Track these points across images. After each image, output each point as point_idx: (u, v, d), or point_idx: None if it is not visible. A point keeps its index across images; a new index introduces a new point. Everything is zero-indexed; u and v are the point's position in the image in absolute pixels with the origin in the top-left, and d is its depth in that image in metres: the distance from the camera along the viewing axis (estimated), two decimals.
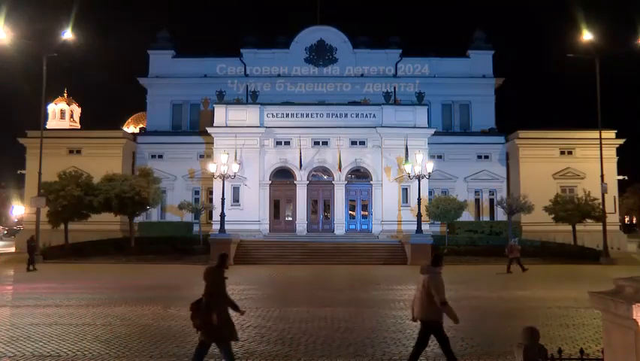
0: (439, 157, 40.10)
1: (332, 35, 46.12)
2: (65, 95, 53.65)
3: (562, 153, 40.21)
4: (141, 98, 47.20)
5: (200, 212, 35.35)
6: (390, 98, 39.69)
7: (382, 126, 37.31)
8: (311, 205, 38.34)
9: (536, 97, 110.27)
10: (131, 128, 53.47)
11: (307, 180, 37.92)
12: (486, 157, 41.71)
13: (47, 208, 31.63)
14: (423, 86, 43.55)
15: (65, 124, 51.35)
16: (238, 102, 39.73)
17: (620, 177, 41.57)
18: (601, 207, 32.01)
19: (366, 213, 38.36)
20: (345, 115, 38.17)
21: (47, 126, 46.78)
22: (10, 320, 12.58)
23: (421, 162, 31.91)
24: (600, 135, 32.03)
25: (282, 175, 38.19)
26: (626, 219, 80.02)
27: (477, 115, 45.31)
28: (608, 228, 32.06)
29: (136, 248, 31.16)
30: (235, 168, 33.92)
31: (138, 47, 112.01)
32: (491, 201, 41.12)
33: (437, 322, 7.81)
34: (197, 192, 41.00)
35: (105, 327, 11.56)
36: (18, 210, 73.40)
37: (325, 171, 38.28)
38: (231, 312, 8.00)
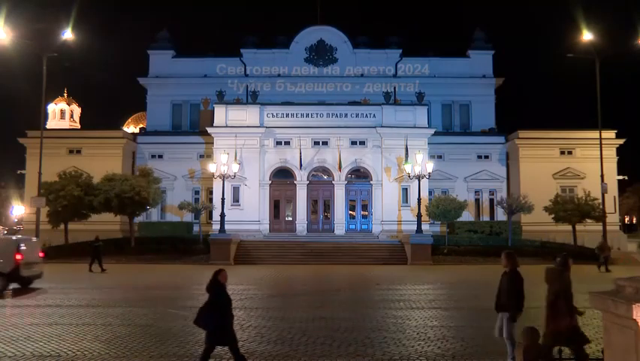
0: (439, 157, 40.12)
1: (332, 35, 46.13)
2: (65, 95, 53.71)
3: (562, 153, 40.21)
4: (141, 98, 47.26)
5: (200, 212, 35.33)
6: (390, 98, 39.69)
7: (382, 126, 37.31)
8: (311, 205, 38.34)
9: (536, 97, 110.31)
10: (131, 128, 53.49)
11: (307, 180, 37.92)
12: (486, 157, 41.71)
13: (47, 208, 31.64)
14: (423, 86, 43.55)
15: (65, 124, 51.39)
16: (238, 102, 39.73)
17: (620, 177, 41.53)
18: (601, 207, 32.02)
19: (366, 213, 38.36)
20: (345, 115, 38.17)
21: (47, 126, 46.80)
22: (10, 320, 12.58)
23: (421, 162, 31.92)
24: (600, 135, 32.03)
25: (282, 175, 38.19)
26: (626, 219, 79.97)
27: (477, 115, 45.32)
28: (608, 228, 32.08)
29: (136, 248, 31.15)
30: (235, 168, 33.93)
31: (138, 47, 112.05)
32: (491, 201, 41.12)
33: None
34: (197, 192, 41.00)
35: (105, 327, 11.56)
36: (18, 210, 73.35)
37: (325, 171, 38.28)
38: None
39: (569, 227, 34.14)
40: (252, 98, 40.23)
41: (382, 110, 37.96)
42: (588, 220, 33.59)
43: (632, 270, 24.82)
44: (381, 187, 37.31)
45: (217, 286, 7.94)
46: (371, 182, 37.85)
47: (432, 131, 38.16)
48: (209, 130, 37.84)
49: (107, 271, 24.70)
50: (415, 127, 37.56)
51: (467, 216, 37.41)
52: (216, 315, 7.70)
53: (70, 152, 39.92)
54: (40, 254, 20.02)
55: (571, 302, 7.42)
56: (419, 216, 30.94)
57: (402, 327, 11.75)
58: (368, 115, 38.16)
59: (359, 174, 38.46)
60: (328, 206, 38.38)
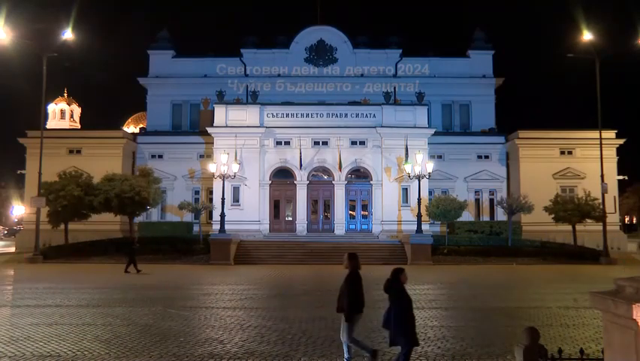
0: (439, 157, 40.14)
1: (332, 35, 46.14)
2: (65, 95, 53.74)
3: (562, 153, 40.22)
4: (141, 98, 47.29)
5: (200, 212, 35.32)
6: (390, 98, 39.69)
7: (382, 126, 37.32)
8: (311, 205, 38.35)
9: (536, 97, 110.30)
10: (131, 128, 53.51)
11: (307, 180, 37.92)
12: (486, 157, 41.72)
13: (47, 208, 31.64)
14: (423, 86, 43.58)
15: (65, 124, 51.42)
16: (238, 102, 39.73)
17: (620, 177, 41.57)
18: (601, 207, 32.01)
19: (366, 213, 38.36)
20: (345, 115, 38.18)
21: (47, 126, 46.83)
22: (10, 320, 12.58)
23: (421, 162, 31.91)
24: (600, 135, 32.02)
25: (282, 175, 38.20)
26: (626, 219, 79.99)
27: (477, 115, 45.34)
28: (608, 228, 32.06)
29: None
30: (235, 168, 33.92)
31: (138, 47, 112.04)
32: (491, 201, 41.13)
33: None
34: (197, 192, 41.01)
35: (105, 327, 11.56)
36: (18, 210, 73.37)
37: (325, 171, 38.28)
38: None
39: (569, 227, 34.14)
40: (252, 98, 40.23)
41: (382, 110, 37.96)
42: (588, 220, 33.59)
43: (632, 270, 24.83)
44: (381, 187, 37.31)
45: (398, 286, 7.71)
46: (371, 182, 37.85)
47: (432, 131, 38.17)
48: (209, 130, 37.84)
49: (142, 271, 24.34)
50: (415, 127, 37.56)
51: (467, 216, 37.43)
52: (403, 316, 7.51)
53: (70, 152, 39.94)
54: None
55: None
56: (419, 216, 30.94)
57: None
58: (368, 115, 38.16)
59: (359, 174, 38.46)
60: (328, 206, 38.39)
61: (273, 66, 45.98)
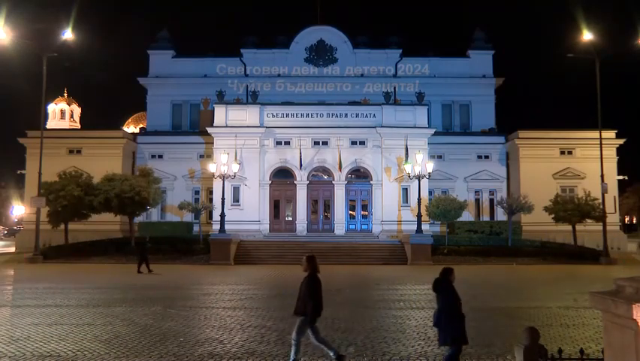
0: (439, 157, 40.14)
1: (332, 35, 46.14)
2: (65, 95, 53.73)
3: (562, 153, 40.22)
4: (141, 98, 47.29)
5: (200, 212, 35.32)
6: (390, 98, 39.68)
7: (382, 126, 37.32)
8: (311, 205, 38.34)
9: (536, 97, 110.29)
10: (131, 128, 53.51)
11: (307, 180, 37.92)
12: (486, 157, 41.72)
13: (47, 208, 31.63)
14: (423, 86, 43.57)
15: (65, 124, 51.41)
16: (238, 102, 39.73)
17: (620, 177, 41.56)
18: (601, 207, 32.00)
19: (366, 213, 38.36)
20: (345, 115, 38.18)
21: (47, 126, 46.82)
22: (10, 320, 12.58)
23: (421, 162, 31.91)
24: (600, 135, 32.01)
25: (282, 175, 38.20)
26: (626, 219, 79.99)
27: (477, 115, 45.34)
28: (608, 228, 32.05)
29: (136, 248, 31.09)
30: (235, 168, 33.92)
31: (138, 47, 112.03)
32: (491, 201, 41.13)
33: None
34: (197, 192, 41.01)
35: (105, 327, 11.56)
36: (18, 210, 73.37)
37: (325, 171, 38.28)
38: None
39: (569, 227, 34.14)
40: (252, 98, 40.22)
41: (382, 110, 37.96)
42: (588, 220, 33.58)
43: (632, 270, 24.83)
44: (381, 187, 37.31)
45: (448, 286, 7.68)
46: (371, 182, 37.85)
47: (432, 131, 38.16)
48: (209, 130, 37.84)
49: (154, 271, 24.24)
50: (415, 127, 37.56)
51: (467, 216, 37.42)
52: (454, 315, 7.46)
53: (70, 152, 39.94)
54: None
55: None
56: (419, 216, 30.94)
57: (402, 327, 11.75)
58: (368, 115, 38.16)
59: (359, 174, 38.46)
60: (328, 206, 38.39)
61: (273, 66, 45.98)
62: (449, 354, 7.56)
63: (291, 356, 8.35)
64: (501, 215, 37.59)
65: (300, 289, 8.35)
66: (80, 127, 51.25)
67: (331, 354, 8.36)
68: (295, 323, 8.46)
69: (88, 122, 56.51)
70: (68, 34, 30.78)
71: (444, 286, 7.67)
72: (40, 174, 30.50)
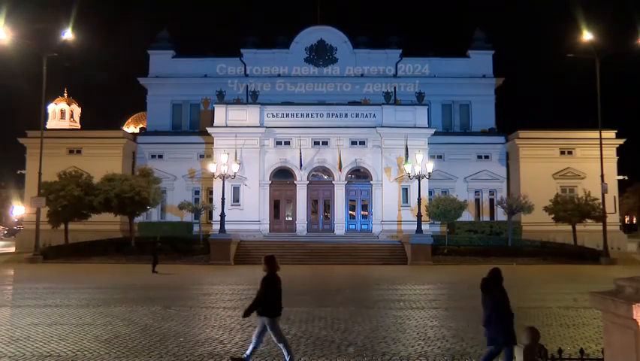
0: (439, 157, 40.14)
1: (332, 35, 46.14)
2: (65, 95, 53.72)
3: (562, 153, 40.22)
4: (141, 98, 47.28)
5: (200, 212, 35.33)
6: (390, 98, 39.68)
7: (382, 126, 37.32)
8: (311, 205, 38.34)
9: (536, 97, 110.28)
10: (131, 128, 53.50)
11: (307, 180, 37.92)
12: (486, 157, 41.72)
13: (47, 208, 31.63)
14: (423, 86, 43.57)
15: (65, 124, 51.40)
16: (238, 102, 39.72)
17: (620, 177, 41.55)
18: (601, 207, 32.00)
19: (366, 213, 38.35)
20: (345, 115, 38.18)
21: (47, 126, 46.82)
22: (10, 320, 12.58)
23: (421, 162, 31.91)
24: (600, 135, 32.02)
25: (282, 175, 38.19)
26: (626, 219, 79.98)
27: (477, 115, 45.34)
28: (608, 228, 32.05)
29: (136, 248, 31.14)
30: (235, 168, 33.92)
31: (138, 47, 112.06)
32: (491, 201, 41.13)
33: None
34: (197, 192, 41.01)
35: (105, 327, 11.56)
36: (18, 210, 73.37)
37: (325, 171, 38.28)
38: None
39: (569, 227, 34.14)
40: (252, 98, 40.22)
41: (382, 110, 37.96)
42: (588, 220, 33.58)
43: (632, 270, 24.83)
44: (381, 187, 37.31)
45: (497, 286, 7.66)
46: (371, 182, 37.85)
47: (432, 131, 38.16)
48: (209, 130, 37.84)
49: (158, 272, 24.14)
50: (415, 127, 37.56)
51: (467, 216, 37.43)
52: (504, 315, 7.42)
53: (70, 152, 39.94)
54: None
55: None
56: (419, 216, 30.94)
57: (402, 327, 11.75)
58: (368, 115, 38.16)
59: (359, 174, 38.46)
60: (328, 206, 38.38)
61: (273, 66, 45.98)
62: (490, 353, 7.52)
63: (286, 357, 8.34)
64: (501, 215, 37.59)
65: (259, 289, 8.37)
66: (80, 127, 51.24)
67: (286, 356, 8.36)
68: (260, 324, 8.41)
69: (88, 122, 56.56)
70: (68, 34, 30.78)
71: (493, 286, 7.67)
72: (40, 174, 30.50)
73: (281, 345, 8.29)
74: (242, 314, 8.29)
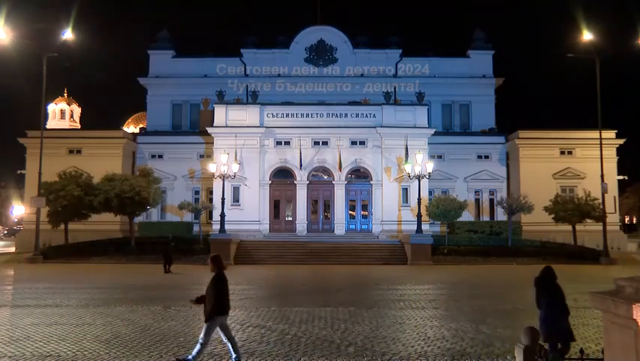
0: (439, 157, 40.14)
1: (332, 35, 46.13)
2: (65, 95, 53.71)
3: (562, 153, 40.22)
4: (141, 98, 47.28)
5: (200, 212, 35.33)
6: (390, 98, 39.69)
7: (382, 126, 37.32)
8: (311, 205, 38.34)
9: (536, 97, 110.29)
10: (131, 128, 53.50)
11: (307, 180, 37.92)
12: (486, 157, 41.72)
13: (47, 208, 31.63)
14: (423, 86, 43.57)
15: (65, 124, 51.40)
16: (238, 102, 39.72)
17: (620, 177, 41.56)
18: (601, 207, 32.00)
19: (366, 213, 38.35)
20: (345, 115, 38.17)
21: (47, 126, 46.82)
22: (10, 320, 12.58)
23: (421, 162, 31.91)
24: (600, 135, 32.02)
25: (282, 175, 38.19)
26: (626, 219, 79.97)
27: (477, 115, 45.34)
28: (608, 228, 32.05)
29: (136, 248, 31.15)
30: (235, 168, 33.92)
31: (138, 47, 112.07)
32: (491, 201, 41.13)
33: None
34: (197, 192, 41.01)
35: (105, 327, 11.56)
36: (18, 210, 73.36)
37: (325, 171, 38.28)
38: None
39: (569, 227, 34.14)
40: (252, 98, 40.22)
41: (382, 110, 37.96)
42: (588, 220, 33.59)
43: (632, 270, 24.83)
44: (381, 187, 37.31)
45: (553, 283, 7.66)
46: (371, 182, 37.85)
47: (432, 131, 38.16)
48: (209, 130, 37.84)
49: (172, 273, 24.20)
50: (415, 127, 37.56)
51: (467, 216, 37.43)
52: (561, 312, 7.41)
53: (70, 152, 39.93)
54: None
55: None
56: (419, 216, 30.93)
57: (402, 327, 11.75)
58: (368, 115, 38.16)
59: (359, 174, 38.46)
60: (328, 206, 38.38)
61: (273, 66, 45.97)
62: (561, 351, 7.50)
63: (232, 355, 8.36)
64: (501, 215, 37.59)
65: (207, 289, 8.36)
66: (80, 127, 51.24)
67: (233, 356, 8.37)
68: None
69: (88, 122, 56.56)
70: (68, 34, 30.78)
71: (548, 284, 7.69)
72: (40, 174, 30.50)
73: (199, 343, 8.25)
74: (205, 320, 8.22)
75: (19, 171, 44.29)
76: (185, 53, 47.44)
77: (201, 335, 8.26)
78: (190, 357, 8.28)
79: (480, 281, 21.59)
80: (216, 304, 8.11)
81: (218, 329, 8.28)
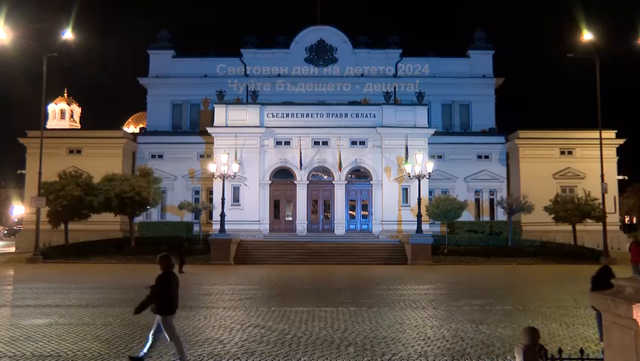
0: (439, 157, 40.14)
1: (332, 35, 46.14)
2: (65, 95, 53.68)
3: (562, 153, 40.22)
4: (141, 98, 47.27)
5: (200, 212, 35.33)
6: (390, 98, 39.70)
7: (382, 126, 37.32)
8: (311, 205, 38.34)
9: (536, 97, 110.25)
10: (131, 128, 53.49)
11: (307, 180, 37.92)
12: (486, 157, 41.72)
13: (47, 208, 31.63)
14: (423, 86, 43.58)
15: (65, 124, 51.37)
16: (238, 102, 39.74)
17: (620, 177, 41.56)
18: (601, 207, 32.00)
19: (367, 213, 38.36)
20: (345, 115, 38.18)
21: (47, 126, 46.81)
22: (10, 320, 12.58)
23: (421, 162, 31.90)
24: (600, 135, 32.01)
25: (282, 175, 38.20)
26: (626, 219, 79.98)
27: (477, 115, 45.34)
28: (608, 228, 32.05)
29: (136, 248, 31.15)
30: (235, 168, 33.92)
31: (138, 47, 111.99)
32: (491, 201, 41.13)
33: None
34: (197, 192, 41.02)
35: (105, 327, 11.57)
36: (18, 210, 73.35)
37: (325, 171, 38.28)
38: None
39: (569, 227, 34.13)
40: (252, 98, 40.24)
41: (382, 110, 37.96)
42: (588, 220, 33.58)
43: (632, 270, 24.79)
44: (381, 187, 37.31)
45: (608, 282, 7.69)
46: (371, 182, 37.85)
47: (432, 131, 38.16)
48: (209, 130, 37.84)
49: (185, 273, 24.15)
50: (415, 127, 37.56)
51: (467, 216, 37.44)
52: None
53: (71, 152, 39.94)
54: None
55: None
56: (419, 216, 30.93)
57: (402, 327, 11.75)
58: (368, 115, 38.16)
59: (359, 174, 38.46)
60: (328, 206, 38.38)
61: (273, 66, 45.97)
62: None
63: (143, 351, 8.38)
64: (501, 215, 37.59)
65: (154, 287, 8.38)
66: (80, 127, 51.21)
67: (177, 355, 8.38)
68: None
69: (88, 122, 56.46)
70: (68, 34, 30.76)
71: (604, 283, 7.69)
72: (40, 174, 30.49)
73: (151, 338, 8.29)
74: (133, 311, 8.28)
75: (19, 171, 44.34)
76: (185, 53, 47.44)
77: (167, 337, 8.25)
78: (141, 354, 8.34)
79: (480, 281, 21.59)
80: (162, 304, 8.16)
81: (162, 327, 8.23)
